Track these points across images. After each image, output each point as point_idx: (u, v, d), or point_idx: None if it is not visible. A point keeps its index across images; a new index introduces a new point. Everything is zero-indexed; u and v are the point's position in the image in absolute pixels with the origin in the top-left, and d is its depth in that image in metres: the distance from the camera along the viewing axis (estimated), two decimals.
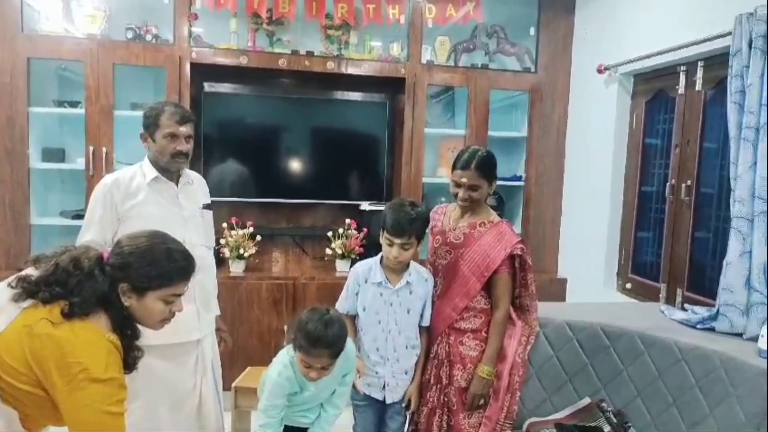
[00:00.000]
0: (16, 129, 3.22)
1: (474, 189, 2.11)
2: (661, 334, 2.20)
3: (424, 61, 3.65)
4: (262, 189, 3.69)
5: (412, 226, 2.05)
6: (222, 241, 3.40)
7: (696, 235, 2.82)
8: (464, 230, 2.18)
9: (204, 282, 2.25)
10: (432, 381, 2.21)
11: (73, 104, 3.35)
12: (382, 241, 2.11)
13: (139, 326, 1.62)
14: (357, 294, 2.18)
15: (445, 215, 2.30)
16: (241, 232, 3.45)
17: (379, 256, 2.19)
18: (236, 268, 3.47)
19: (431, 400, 2.21)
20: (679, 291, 2.86)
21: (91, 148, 3.24)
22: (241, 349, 3.25)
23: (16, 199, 3.26)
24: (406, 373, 2.20)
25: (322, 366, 1.83)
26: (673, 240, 2.93)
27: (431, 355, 2.23)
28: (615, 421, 2.20)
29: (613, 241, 3.40)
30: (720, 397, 1.94)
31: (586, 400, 2.29)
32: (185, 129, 2.15)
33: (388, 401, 2.20)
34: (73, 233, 2.22)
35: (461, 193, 2.13)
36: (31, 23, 3.27)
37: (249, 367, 2.96)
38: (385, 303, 2.14)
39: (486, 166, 2.12)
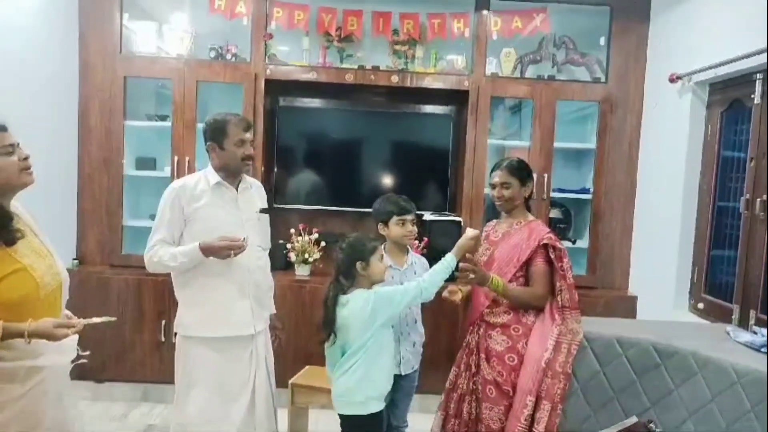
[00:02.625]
0: (113, 140, 3.62)
1: (506, 187, 2.39)
2: (717, 354, 2.07)
3: (488, 73, 3.67)
4: (330, 197, 3.86)
5: (411, 204, 2.50)
6: (289, 246, 3.60)
7: None
8: (503, 229, 2.46)
9: (259, 280, 2.42)
10: (462, 368, 2.41)
11: (162, 118, 3.70)
12: (393, 227, 2.45)
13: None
14: None
15: (497, 225, 2.52)
16: (306, 237, 3.62)
17: (382, 246, 2.39)
18: (301, 271, 3.65)
19: (461, 386, 2.40)
20: (752, 313, 2.67)
21: (176, 158, 3.57)
22: (302, 348, 3.40)
23: (111, 203, 3.65)
24: (414, 345, 2.50)
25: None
26: (747, 258, 2.74)
27: (464, 344, 2.43)
28: None
29: (685, 259, 3.22)
30: None
31: (633, 419, 2.20)
32: (249, 135, 2.38)
33: (403, 373, 2.45)
34: None
35: (496, 191, 2.41)
36: (128, 44, 3.66)
37: (308, 366, 3.11)
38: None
39: (515, 168, 2.41)
